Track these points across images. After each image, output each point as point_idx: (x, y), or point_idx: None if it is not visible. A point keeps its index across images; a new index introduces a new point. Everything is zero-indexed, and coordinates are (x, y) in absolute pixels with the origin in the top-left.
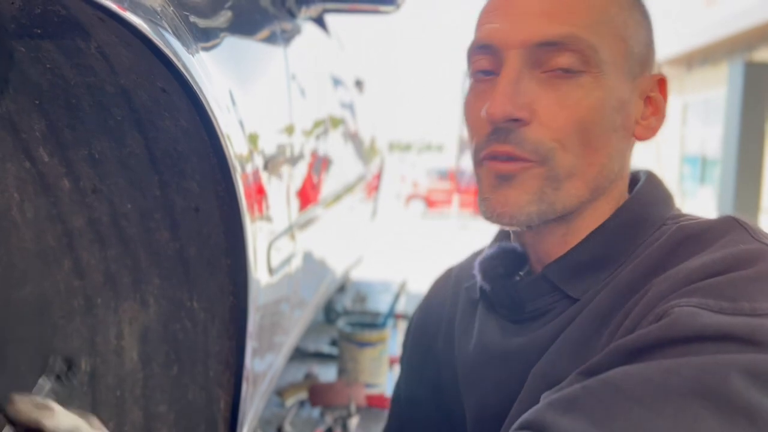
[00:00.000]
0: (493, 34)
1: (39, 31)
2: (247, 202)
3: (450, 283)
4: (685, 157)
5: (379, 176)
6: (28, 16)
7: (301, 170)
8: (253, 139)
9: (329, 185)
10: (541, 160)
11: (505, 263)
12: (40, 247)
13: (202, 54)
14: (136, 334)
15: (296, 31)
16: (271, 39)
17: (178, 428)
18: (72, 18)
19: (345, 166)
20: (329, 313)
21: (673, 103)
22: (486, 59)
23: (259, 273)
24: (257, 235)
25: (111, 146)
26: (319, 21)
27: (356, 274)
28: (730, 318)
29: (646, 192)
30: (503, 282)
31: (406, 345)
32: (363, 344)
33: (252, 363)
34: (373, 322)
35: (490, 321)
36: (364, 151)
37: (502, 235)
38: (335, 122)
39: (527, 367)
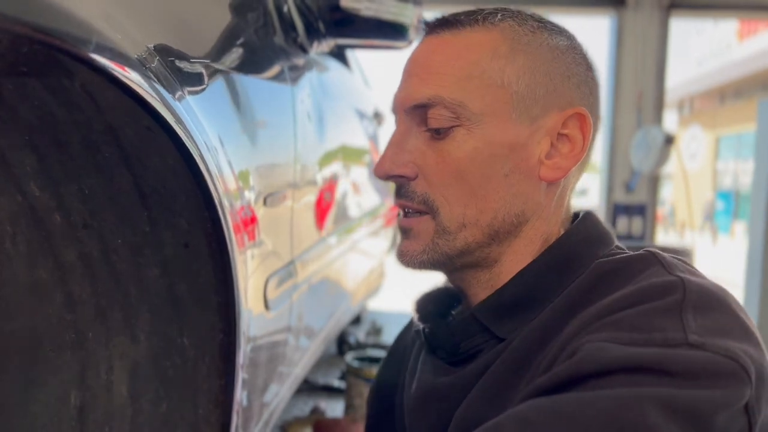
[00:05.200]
0: (393, 98)
1: (25, 69)
2: (238, 239)
3: (412, 327)
4: (719, 192)
5: None
6: (15, 55)
7: (306, 204)
8: (244, 176)
9: (339, 217)
10: (432, 212)
11: (436, 302)
12: (32, 280)
13: (187, 95)
14: (126, 369)
15: (308, 66)
16: (276, 75)
17: None
18: (56, 58)
19: (358, 198)
20: (342, 345)
21: (706, 138)
22: (395, 119)
23: (252, 308)
24: (250, 271)
25: (100, 182)
26: (339, 56)
27: (373, 305)
28: (640, 349)
29: (577, 231)
30: (437, 321)
31: (370, 399)
32: (371, 380)
33: (244, 399)
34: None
35: (429, 362)
36: (382, 182)
37: None
38: (349, 154)
39: (454, 408)
